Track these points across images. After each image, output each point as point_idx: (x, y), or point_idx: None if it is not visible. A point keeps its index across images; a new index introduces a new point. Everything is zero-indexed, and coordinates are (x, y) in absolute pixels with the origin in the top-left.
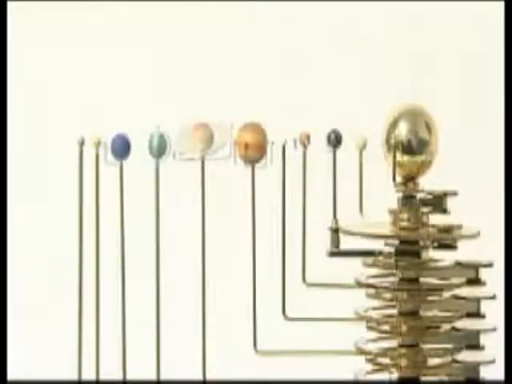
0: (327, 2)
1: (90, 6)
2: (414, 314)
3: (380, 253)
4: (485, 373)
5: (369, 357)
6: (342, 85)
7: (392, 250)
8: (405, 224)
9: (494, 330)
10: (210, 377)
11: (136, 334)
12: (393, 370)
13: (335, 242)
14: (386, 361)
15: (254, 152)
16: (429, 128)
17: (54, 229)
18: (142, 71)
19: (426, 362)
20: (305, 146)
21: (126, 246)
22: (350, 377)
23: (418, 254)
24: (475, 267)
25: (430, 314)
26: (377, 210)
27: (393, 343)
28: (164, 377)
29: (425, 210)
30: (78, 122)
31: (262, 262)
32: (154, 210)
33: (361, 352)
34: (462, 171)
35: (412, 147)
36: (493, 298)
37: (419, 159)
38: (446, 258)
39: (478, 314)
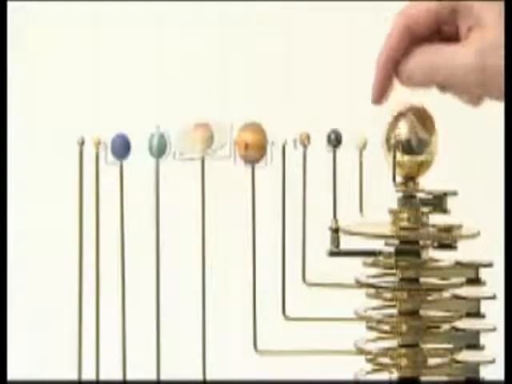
0: (327, 1)
1: (91, 5)
2: (414, 313)
3: (380, 253)
4: (485, 373)
5: (369, 357)
6: (342, 85)
7: (392, 249)
8: (405, 224)
9: (494, 330)
10: (209, 377)
11: (136, 333)
12: (393, 369)
13: (335, 241)
14: (386, 361)
15: (254, 152)
16: (429, 128)
17: (54, 229)
18: (142, 71)
19: (426, 362)
20: (305, 146)
21: (126, 246)
22: (350, 377)
23: (418, 254)
24: (475, 267)
25: (430, 313)
26: (377, 210)
27: (393, 343)
28: (164, 377)
29: (425, 209)
30: (78, 122)
31: (262, 262)
32: (153, 209)
33: (361, 352)
34: (462, 171)
35: (412, 147)
36: (493, 298)
37: (419, 159)
38: (445, 257)
39: (478, 314)
